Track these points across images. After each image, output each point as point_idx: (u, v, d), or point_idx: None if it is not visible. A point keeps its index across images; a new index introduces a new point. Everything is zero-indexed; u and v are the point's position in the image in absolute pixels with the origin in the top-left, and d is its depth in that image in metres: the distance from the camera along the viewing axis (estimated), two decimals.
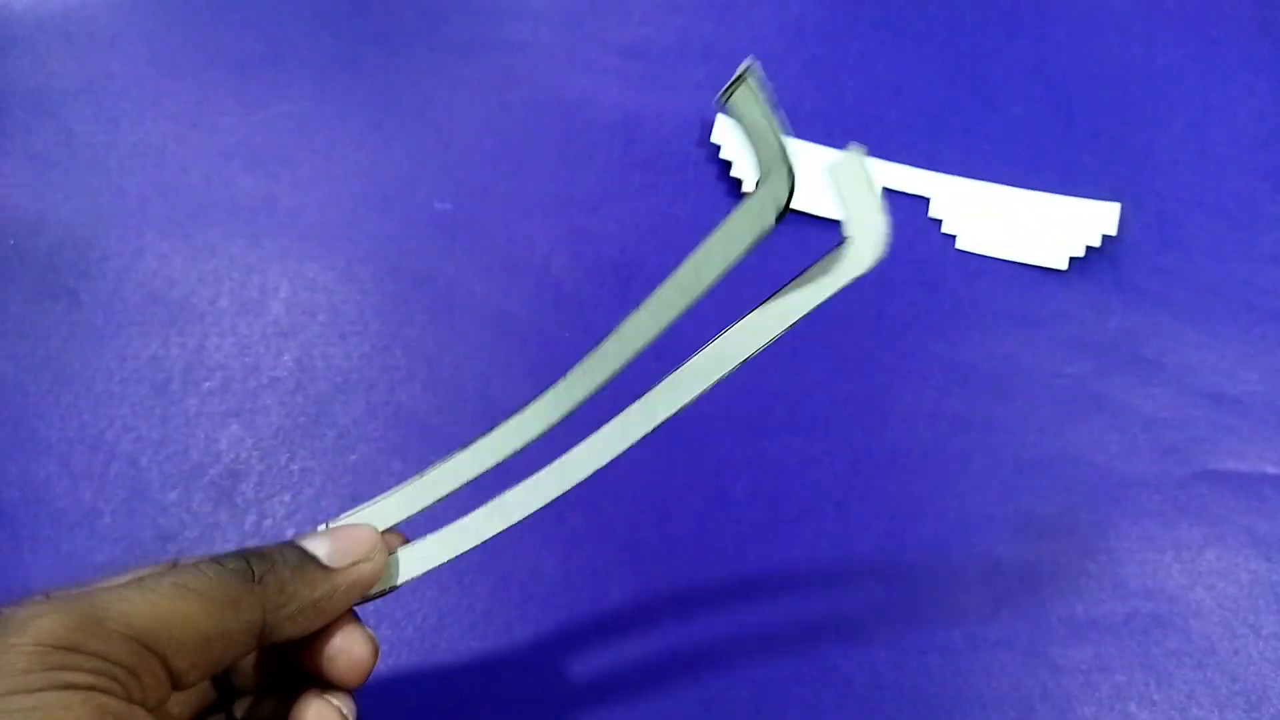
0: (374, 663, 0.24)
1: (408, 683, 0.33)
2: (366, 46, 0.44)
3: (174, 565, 0.21)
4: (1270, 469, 0.35)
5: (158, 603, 0.19)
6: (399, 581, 0.25)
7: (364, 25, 0.45)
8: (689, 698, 0.32)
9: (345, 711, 0.24)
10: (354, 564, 0.24)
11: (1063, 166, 0.40)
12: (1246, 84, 0.42)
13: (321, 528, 0.25)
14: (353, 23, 0.45)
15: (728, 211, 0.42)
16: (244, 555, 0.22)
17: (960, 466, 0.35)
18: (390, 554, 0.25)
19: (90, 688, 0.18)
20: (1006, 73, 0.43)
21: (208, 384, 0.38)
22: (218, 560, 0.21)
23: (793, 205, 0.42)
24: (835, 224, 0.39)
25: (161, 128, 0.43)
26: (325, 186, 0.41)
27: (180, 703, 0.24)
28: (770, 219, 0.21)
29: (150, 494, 0.36)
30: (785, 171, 0.20)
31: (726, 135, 0.41)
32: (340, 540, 0.24)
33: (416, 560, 0.26)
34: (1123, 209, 0.39)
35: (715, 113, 0.41)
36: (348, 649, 0.24)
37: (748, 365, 0.37)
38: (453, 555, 0.25)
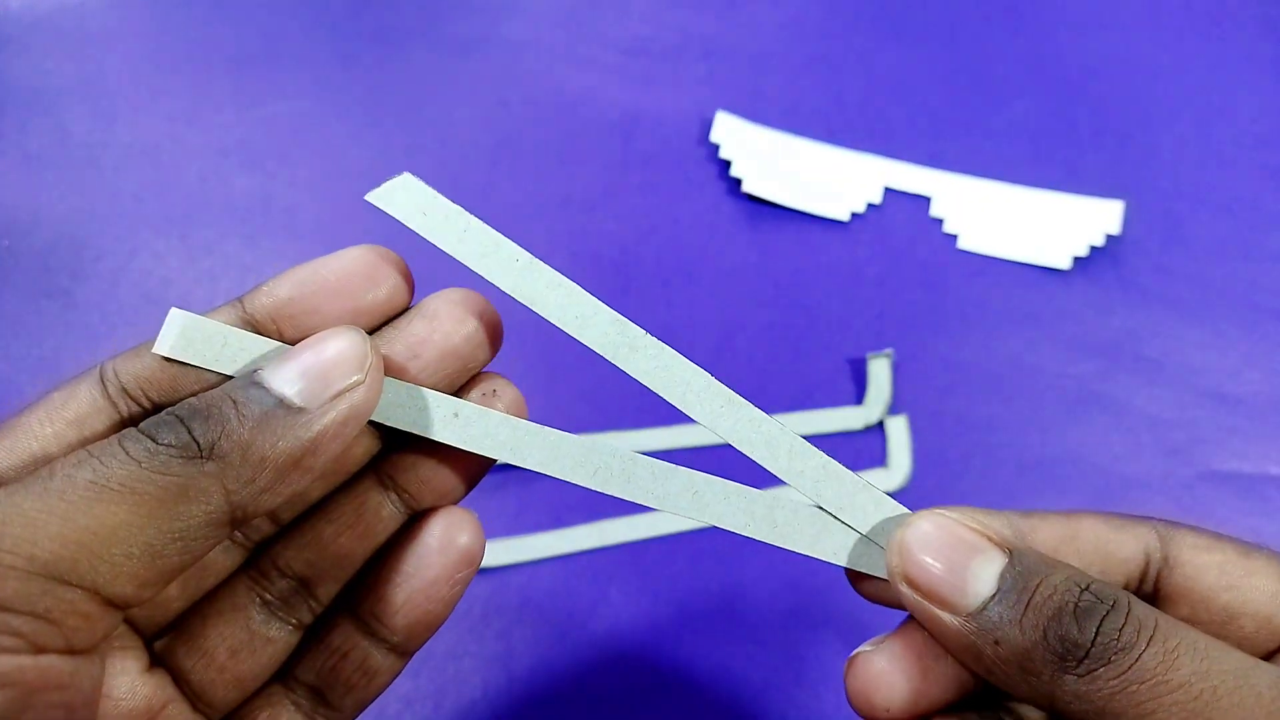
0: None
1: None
2: (364, 44, 0.44)
3: (91, 446, 0.16)
4: (1274, 470, 0.35)
5: (70, 515, 0.14)
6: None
7: (361, 23, 0.44)
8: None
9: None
10: (339, 393, 0.16)
11: (1065, 165, 0.40)
12: (1250, 82, 0.42)
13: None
14: (350, 20, 0.44)
15: (727, 210, 0.42)
16: (181, 420, 0.16)
17: (962, 467, 0.35)
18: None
19: None
20: (1009, 70, 0.42)
21: None
22: (146, 434, 0.15)
23: (789, 204, 0.42)
24: (831, 222, 0.39)
25: (157, 126, 0.42)
26: (322, 185, 0.41)
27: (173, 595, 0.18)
28: None
29: None
30: None
31: (725, 133, 0.41)
32: (310, 360, 0.17)
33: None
34: (1126, 208, 0.39)
35: (714, 110, 0.41)
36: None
37: (756, 381, 0.37)
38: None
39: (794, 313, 0.38)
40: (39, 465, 0.17)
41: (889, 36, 0.43)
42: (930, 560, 0.17)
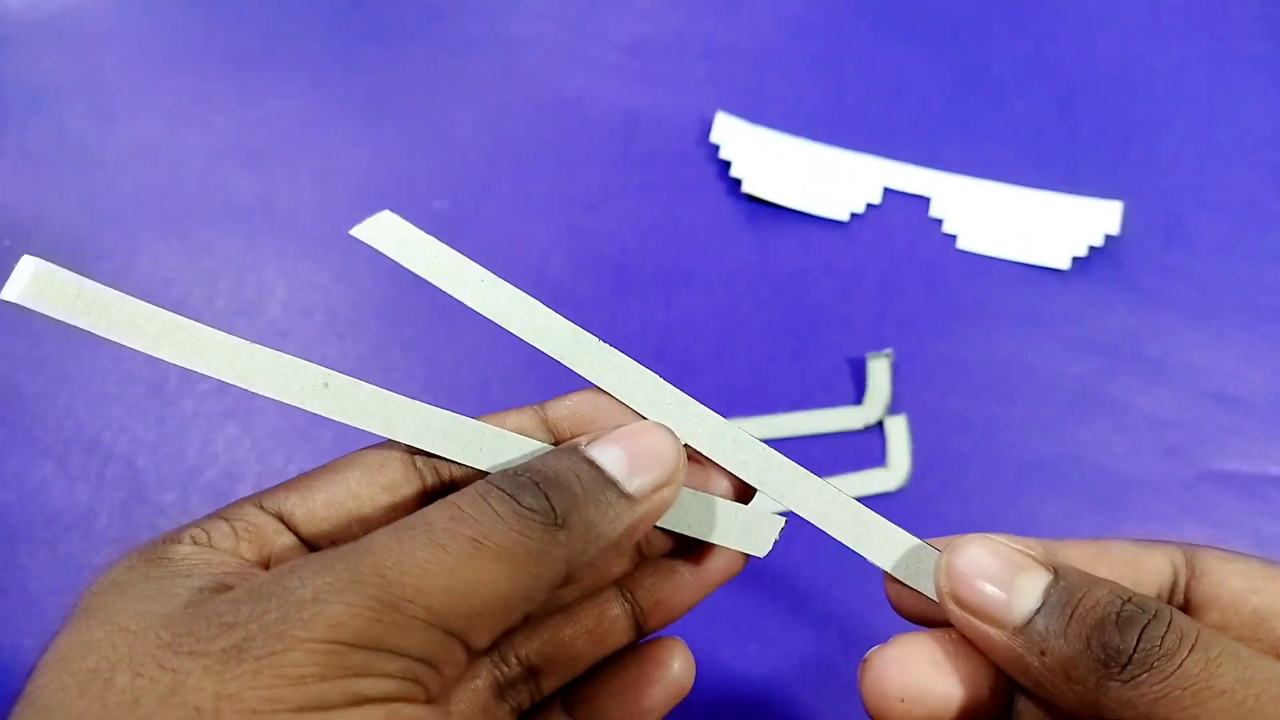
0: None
1: None
2: (364, 43, 0.44)
3: (447, 490, 0.18)
4: (1275, 470, 0.35)
5: (456, 570, 0.15)
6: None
7: (361, 22, 0.44)
8: None
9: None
10: (657, 486, 0.18)
11: (1065, 165, 0.40)
12: (1250, 82, 0.42)
13: (572, 399, 0.20)
14: (350, 19, 0.44)
15: (727, 210, 0.42)
16: (536, 483, 0.17)
17: (961, 467, 0.35)
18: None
19: (390, 698, 0.14)
20: (1009, 70, 0.42)
21: (204, 385, 0.37)
22: (511, 495, 0.16)
23: (789, 204, 0.42)
24: (830, 223, 0.39)
25: (156, 126, 0.42)
26: (322, 185, 0.41)
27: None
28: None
29: (147, 495, 0.36)
30: None
31: (725, 133, 0.41)
32: (635, 450, 0.18)
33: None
34: (1126, 208, 0.39)
35: (715, 111, 0.41)
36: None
37: (756, 381, 0.37)
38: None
39: (794, 312, 0.38)
40: (355, 523, 0.19)
41: (888, 38, 0.43)
42: (978, 580, 0.17)
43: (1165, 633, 0.16)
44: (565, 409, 0.21)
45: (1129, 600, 0.16)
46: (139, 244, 0.40)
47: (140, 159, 0.42)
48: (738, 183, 0.40)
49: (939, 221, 0.39)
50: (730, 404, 0.36)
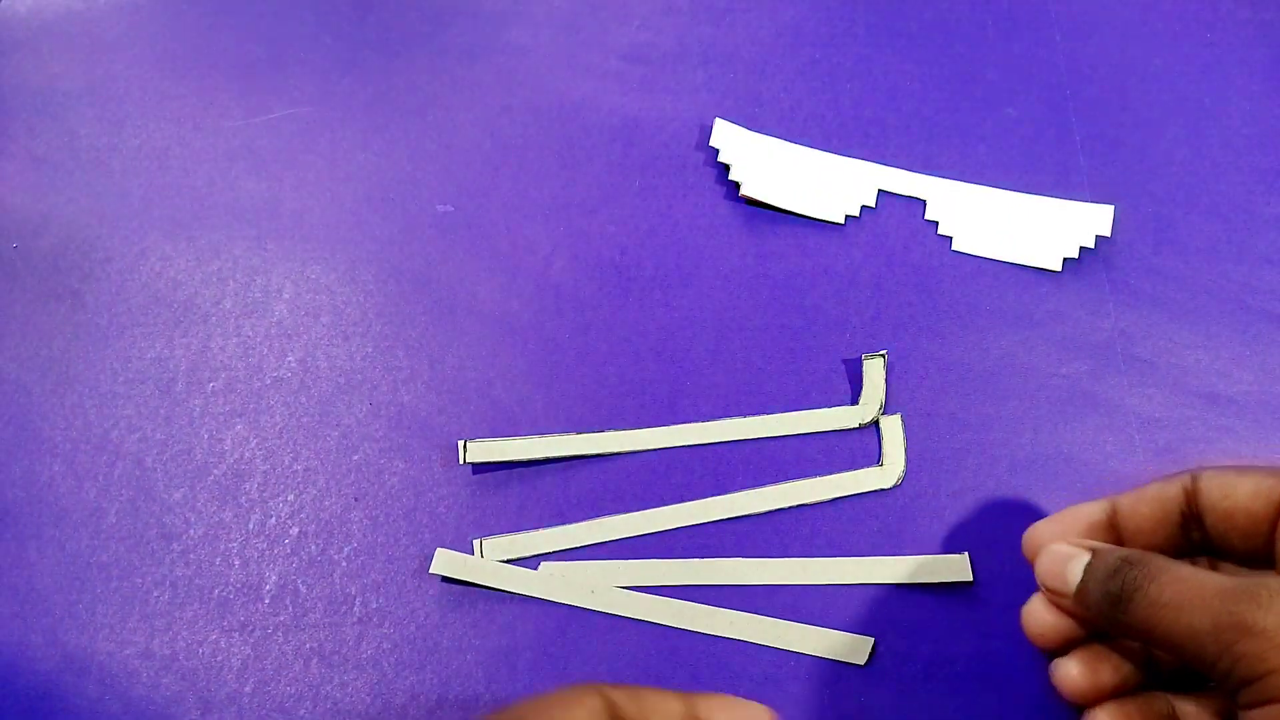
0: None
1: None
2: (369, 51, 0.44)
3: None
4: None
5: None
6: None
7: (366, 30, 0.45)
8: None
9: None
10: None
11: (1058, 168, 0.41)
12: (1242, 86, 0.42)
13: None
14: (355, 27, 0.45)
15: (725, 214, 0.42)
16: None
17: (955, 465, 0.35)
18: None
19: None
20: (1001, 76, 0.43)
21: (212, 384, 0.38)
22: None
23: (786, 208, 0.42)
24: (827, 225, 0.40)
25: (165, 130, 0.43)
26: (328, 189, 0.41)
27: None
28: None
29: (155, 493, 0.36)
30: None
31: (724, 139, 0.41)
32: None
33: None
34: (1117, 211, 0.40)
35: (714, 116, 0.42)
36: None
37: (754, 380, 0.37)
38: None
39: (790, 314, 0.38)
40: None
41: (883, 45, 0.44)
42: (1046, 571, 0.28)
43: (1138, 575, 0.25)
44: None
45: (1125, 558, 0.26)
46: (147, 246, 0.40)
47: (148, 163, 0.42)
48: (736, 186, 0.40)
49: (934, 224, 0.40)
50: (727, 403, 0.37)
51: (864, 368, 0.36)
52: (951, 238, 0.40)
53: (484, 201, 0.41)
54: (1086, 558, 0.27)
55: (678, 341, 0.38)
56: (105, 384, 0.38)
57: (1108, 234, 0.39)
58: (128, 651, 0.34)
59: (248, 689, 0.33)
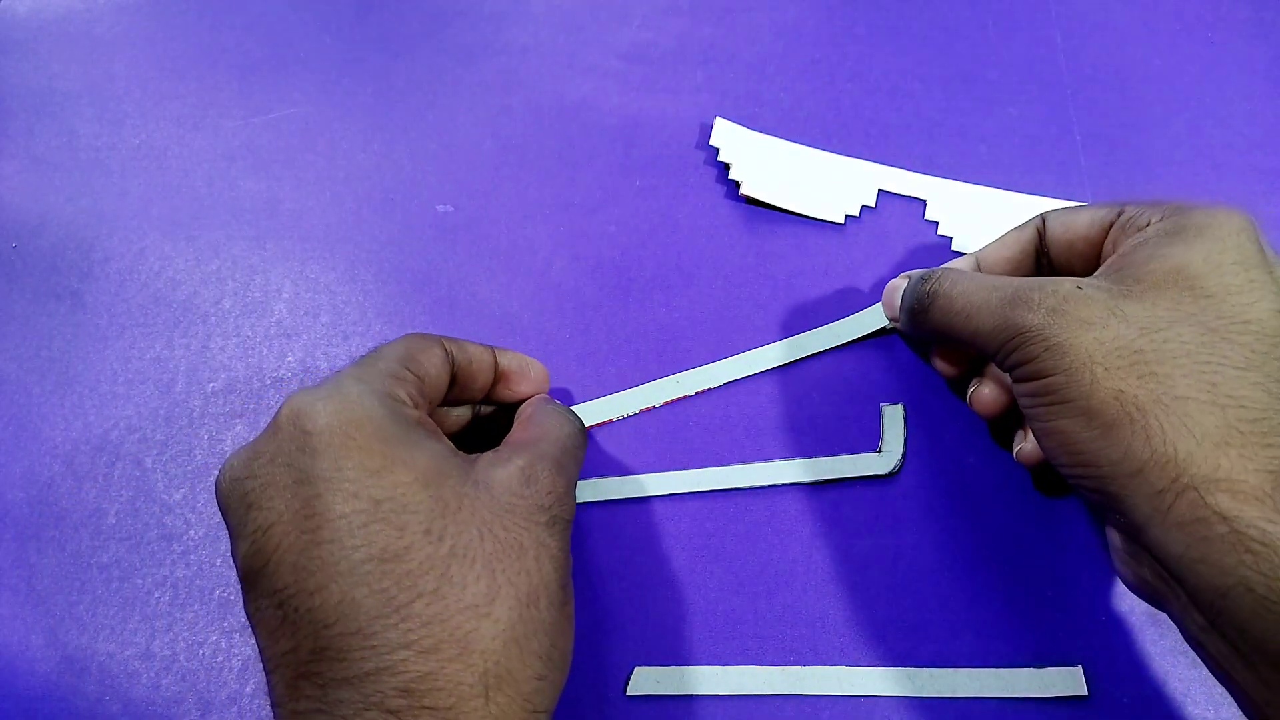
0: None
1: None
2: (369, 50, 0.44)
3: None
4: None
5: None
6: None
7: (366, 29, 0.45)
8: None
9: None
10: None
11: (1058, 168, 0.41)
12: (1243, 86, 0.42)
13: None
14: (355, 26, 0.45)
15: (725, 213, 0.42)
16: None
17: (955, 456, 0.35)
18: None
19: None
20: (1002, 76, 0.43)
21: (212, 385, 0.38)
22: None
23: (786, 207, 0.42)
24: (827, 224, 0.40)
25: (164, 130, 0.43)
26: (328, 189, 0.41)
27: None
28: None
29: (155, 494, 0.36)
30: None
31: (724, 138, 0.41)
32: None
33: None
34: None
35: (714, 115, 0.42)
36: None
37: (753, 379, 0.37)
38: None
39: (790, 314, 0.38)
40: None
41: (884, 45, 0.44)
42: (885, 303, 0.35)
43: (932, 287, 0.30)
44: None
45: (922, 276, 0.31)
46: (146, 246, 0.40)
47: (148, 163, 0.42)
48: (736, 186, 0.40)
49: (934, 224, 0.40)
50: (727, 403, 0.37)
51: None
52: (951, 238, 0.40)
53: (484, 201, 0.41)
54: (904, 283, 0.33)
55: (678, 341, 0.38)
56: (105, 384, 0.38)
57: None
58: (128, 652, 0.34)
59: (248, 690, 0.33)
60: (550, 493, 0.26)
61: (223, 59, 0.44)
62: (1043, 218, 0.32)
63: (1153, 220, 0.28)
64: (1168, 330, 0.24)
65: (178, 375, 0.38)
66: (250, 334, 0.39)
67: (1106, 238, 0.29)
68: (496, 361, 0.33)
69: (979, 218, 0.40)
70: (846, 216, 0.40)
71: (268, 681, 0.24)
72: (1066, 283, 0.26)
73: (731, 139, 0.41)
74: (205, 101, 0.43)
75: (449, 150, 0.42)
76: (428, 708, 0.22)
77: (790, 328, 0.38)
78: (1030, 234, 0.33)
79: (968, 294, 0.28)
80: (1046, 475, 0.34)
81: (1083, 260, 0.31)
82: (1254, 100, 0.42)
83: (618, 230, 0.40)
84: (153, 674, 0.33)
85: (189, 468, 0.36)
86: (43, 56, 0.45)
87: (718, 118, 0.42)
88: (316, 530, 0.23)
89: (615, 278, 0.39)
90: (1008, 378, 0.28)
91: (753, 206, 0.40)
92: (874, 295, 0.39)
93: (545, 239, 0.40)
